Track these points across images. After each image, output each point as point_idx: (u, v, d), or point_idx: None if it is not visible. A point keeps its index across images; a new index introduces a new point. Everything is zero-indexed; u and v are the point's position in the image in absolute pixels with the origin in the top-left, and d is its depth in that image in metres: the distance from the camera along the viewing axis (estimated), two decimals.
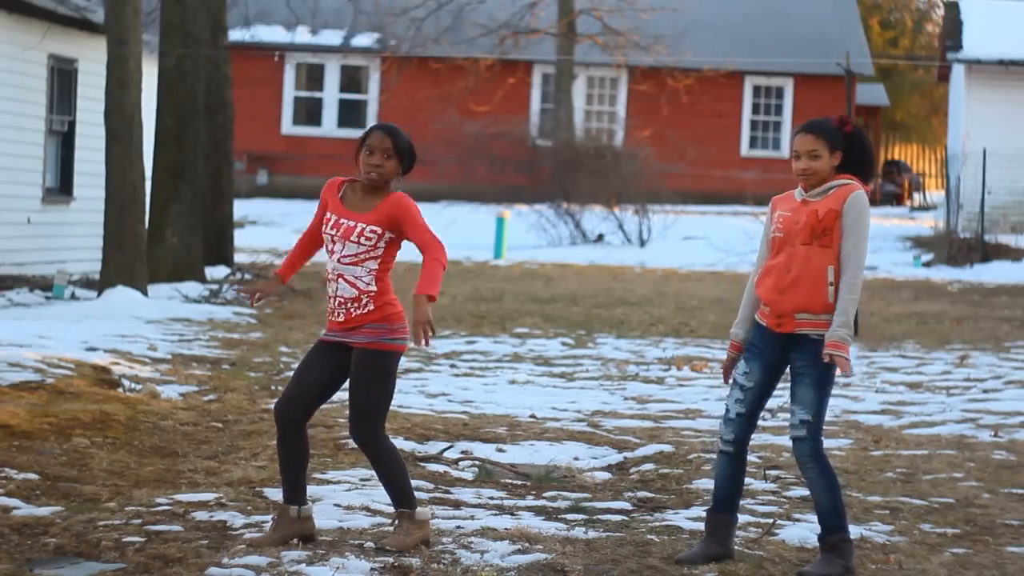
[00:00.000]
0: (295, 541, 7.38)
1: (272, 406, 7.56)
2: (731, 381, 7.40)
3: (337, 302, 7.31)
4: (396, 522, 7.42)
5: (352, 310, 7.30)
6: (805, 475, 7.28)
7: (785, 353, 7.31)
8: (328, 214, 7.40)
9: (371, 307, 7.29)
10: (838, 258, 7.18)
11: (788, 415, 7.39)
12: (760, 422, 11.83)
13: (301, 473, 7.44)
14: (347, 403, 7.45)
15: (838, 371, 7.17)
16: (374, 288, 7.28)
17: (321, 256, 7.59)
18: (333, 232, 7.33)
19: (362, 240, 7.27)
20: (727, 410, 7.41)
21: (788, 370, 7.33)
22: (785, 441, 9.87)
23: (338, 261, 7.30)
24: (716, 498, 7.45)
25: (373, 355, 7.29)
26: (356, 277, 7.29)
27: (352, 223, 7.28)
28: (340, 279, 7.29)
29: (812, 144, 7.20)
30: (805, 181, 7.22)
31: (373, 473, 8.78)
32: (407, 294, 7.30)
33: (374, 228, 7.26)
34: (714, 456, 10.13)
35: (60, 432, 10.11)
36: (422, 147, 38.09)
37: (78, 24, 23.07)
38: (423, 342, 7.15)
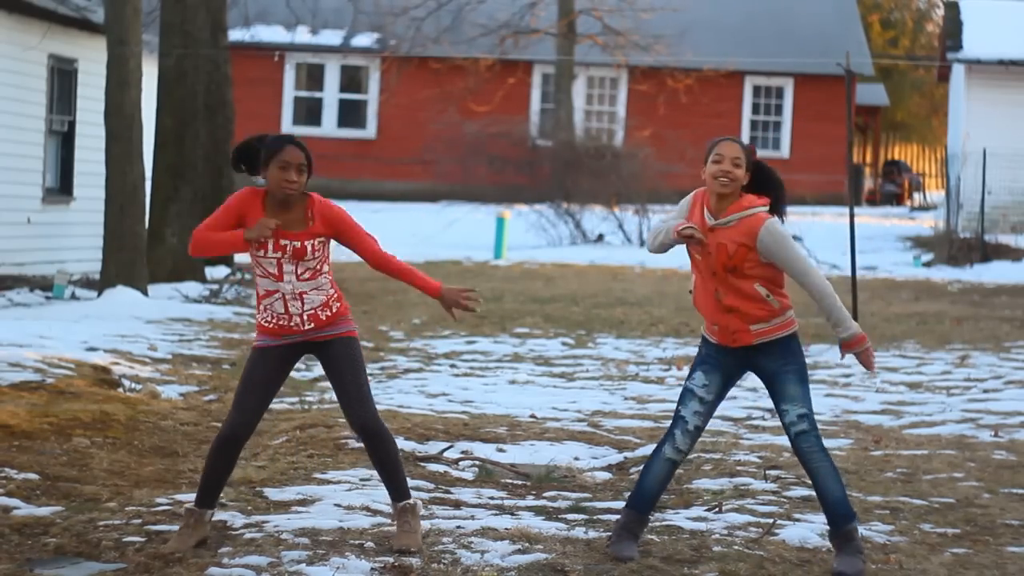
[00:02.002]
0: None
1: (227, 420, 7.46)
2: (687, 392, 7.34)
3: (306, 316, 7.32)
4: (401, 518, 7.40)
5: (321, 315, 7.36)
6: (814, 466, 7.25)
7: (745, 363, 7.32)
8: None
9: (338, 305, 7.40)
10: (765, 276, 7.20)
11: (776, 416, 7.34)
12: (760, 422, 11.93)
13: (226, 479, 7.52)
14: (341, 402, 7.44)
15: (864, 370, 7.12)
16: (333, 289, 7.41)
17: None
18: (278, 255, 7.27)
19: (315, 255, 7.31)
20: (684, 420, 7.34)
21: (762, 378, 7.33)
22: (785, 441, 9.86)
23: (297, 280, 7.29)
24: (645, 500, 7.43)
25: (353, 341, 7.42)
26: (319, 287, 7.35)
27: (299, 243, 7.27)
28: (303, 296, 7.31)
29: (738, 152, 7.23)
30: (723, 186, 7.19)
31: (373, 473, 8.79)
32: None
33: (320, 239, 7.32)
34: (714, 456, 10.14)
35: (60, 432, 10.11)
36: (422, 147, 37.88)
37: (78, 24, 23.08)
38: (475, 304, 7.45)
